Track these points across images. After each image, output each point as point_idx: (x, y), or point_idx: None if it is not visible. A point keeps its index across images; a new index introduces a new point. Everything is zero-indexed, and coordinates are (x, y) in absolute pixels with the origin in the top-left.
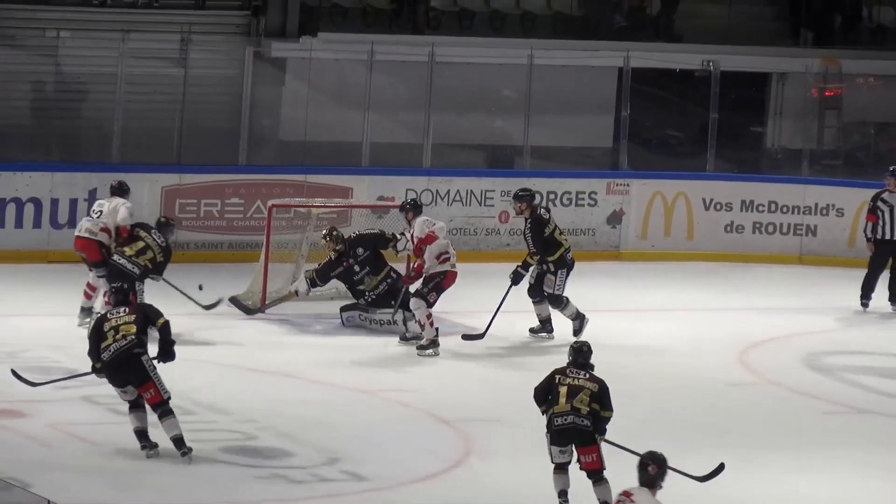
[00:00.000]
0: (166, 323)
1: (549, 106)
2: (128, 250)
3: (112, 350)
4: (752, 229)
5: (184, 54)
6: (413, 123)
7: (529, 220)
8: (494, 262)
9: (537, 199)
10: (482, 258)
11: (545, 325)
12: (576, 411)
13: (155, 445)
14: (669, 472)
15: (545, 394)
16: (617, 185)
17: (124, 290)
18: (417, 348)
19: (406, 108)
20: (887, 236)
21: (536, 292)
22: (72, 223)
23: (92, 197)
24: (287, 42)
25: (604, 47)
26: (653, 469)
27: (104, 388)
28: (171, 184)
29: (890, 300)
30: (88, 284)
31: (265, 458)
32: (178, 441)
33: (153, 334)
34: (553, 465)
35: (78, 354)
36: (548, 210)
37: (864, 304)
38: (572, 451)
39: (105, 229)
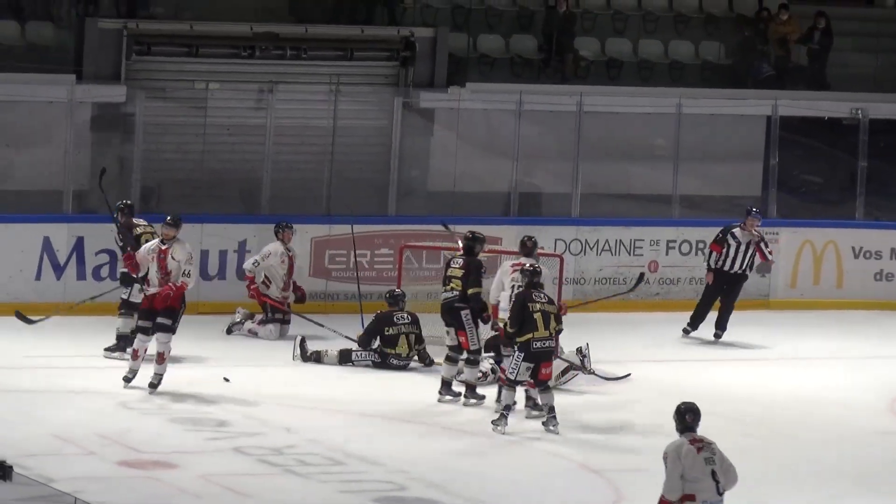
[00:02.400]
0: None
1: (697, 154)
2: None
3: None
4: None
5: (333, 105)
6: (561, 172)
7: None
8: (645, 311)
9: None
10: (632, 307)
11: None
12: (550, 336)
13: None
14: None
15: (521, 317)
16: (766, 233)
17: None
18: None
19: (554, 157)
20: (727, 268)
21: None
22: (221, 275)
23: (242, 248)
24: (435, 92)
25: (752, 96)
26: (690, 418)
27: (255, 439)
28: (320, 235)
29: (716, 329)
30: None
31: None
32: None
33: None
34: (507, 382)
35: (229, 406)
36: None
37: (687, 332)
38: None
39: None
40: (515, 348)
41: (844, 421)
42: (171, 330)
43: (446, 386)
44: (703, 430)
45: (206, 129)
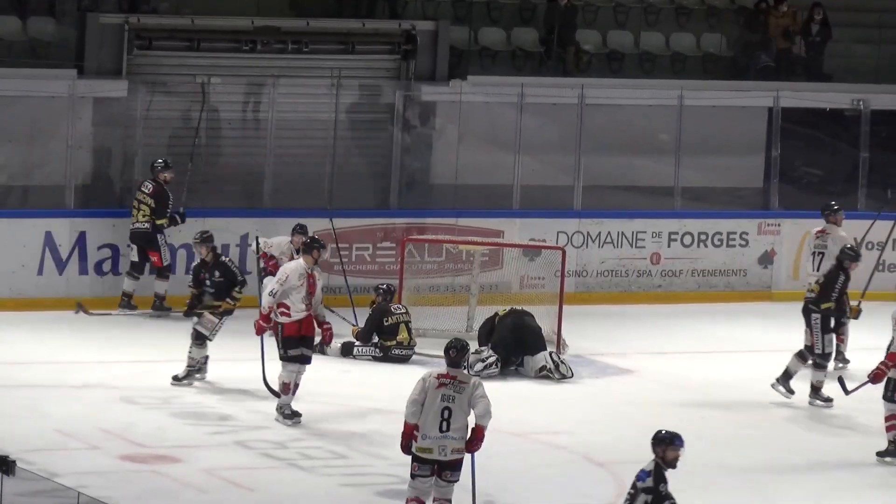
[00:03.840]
0: None
1: (699, 146)
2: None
3: None
4: None
5: (334, 99)
6: (563, 165)
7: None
8: (646, 303)
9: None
10: (633, 300)
11: None
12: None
13: None
14: None
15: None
16: (768, 225)
17: None
18: None
19: (556, 150)
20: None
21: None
22: None
23: (244, 242)
24: (437, 85)
25: (753, 87)
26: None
27: (258, 433)
28: (322, 228)
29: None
30: None
31: None
32: None
33: None
34: None
35: (233, 400)
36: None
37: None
38: None
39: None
40: None
41: (846, 411)
42: (310, 361)
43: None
44: (704, 421)
45: (208, 124)
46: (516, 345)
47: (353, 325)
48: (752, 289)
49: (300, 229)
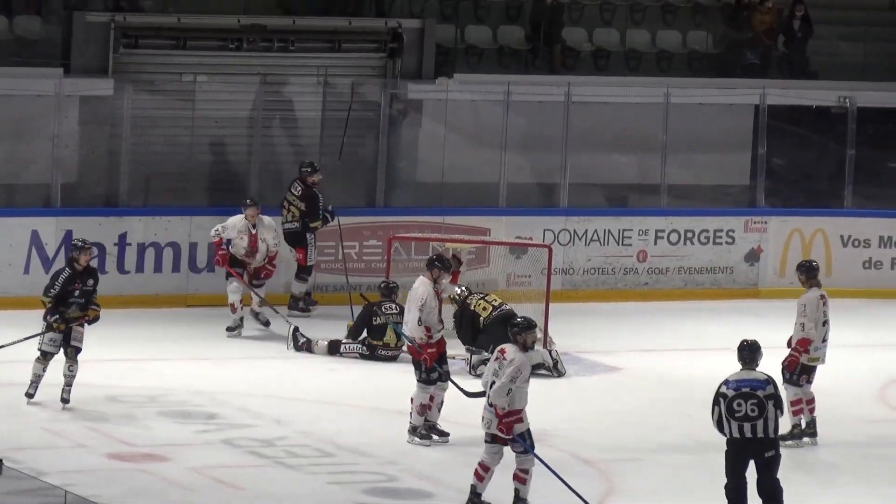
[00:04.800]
0: None
1: (685, 144)
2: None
3: None
4: (890, 265)
5: (321, 97)
6: (550, 163)
7: None
8: (633, 301)
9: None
10: (620, 297)
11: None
12: None
13: None
14: None
15: None
16: (755, 222)
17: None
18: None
19: (543, 147)
20: None
21: None
22: (210, 267)
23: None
24: (423, 84)
25: (739, 85)
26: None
27: (245, 431)
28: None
29: None
30: None
31: (406, 500)
32: None
33: None
34: None
35: (219, 398)
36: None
37: None
38: None
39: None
40: None
41: (833, 409)
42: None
43: None
44: (690, 419)
45: (195, 122)
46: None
47: (350, 321)
48: (738, 286)
49: (251, 202)
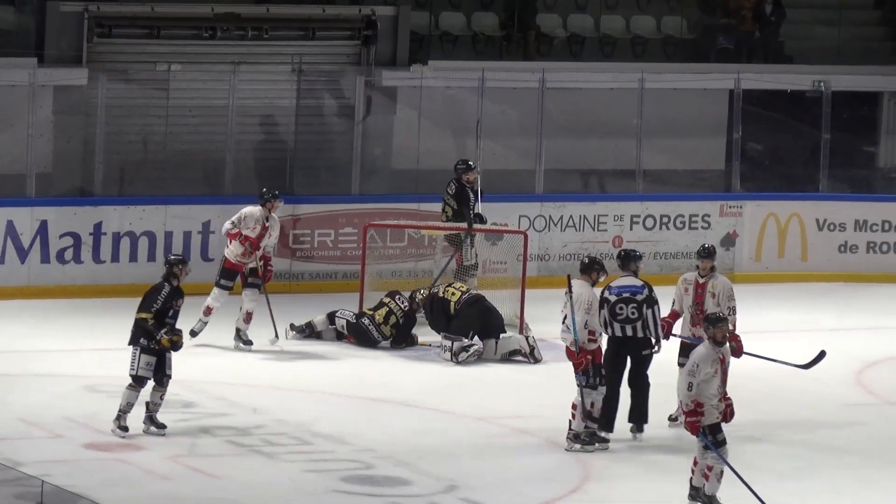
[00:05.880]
0: None
1: (660, 129)
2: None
3: None
4: (865, 249)
5: (295, 85)
6: (525, 149)
7: None
8: None
9: None
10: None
11: None
12: None
13: None
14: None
15: None
16: (730, 207)
17: None
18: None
19: (517, 134)
20: None
21: None
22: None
23: (206, 229)
24: (398, 71)
25: (714, 70)
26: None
27: (222, 420)
28: (284, 214)
29: None
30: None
31: (383, 487)
32: None
33: None
34: None
35: (196, 387)
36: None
37: None
38: None
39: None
40: None
41: (810, 393)
42: None
43: None
44: (668, 403)
45: (169, 111)
46: (483, 329)
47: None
48: None
49: (278, 195)
